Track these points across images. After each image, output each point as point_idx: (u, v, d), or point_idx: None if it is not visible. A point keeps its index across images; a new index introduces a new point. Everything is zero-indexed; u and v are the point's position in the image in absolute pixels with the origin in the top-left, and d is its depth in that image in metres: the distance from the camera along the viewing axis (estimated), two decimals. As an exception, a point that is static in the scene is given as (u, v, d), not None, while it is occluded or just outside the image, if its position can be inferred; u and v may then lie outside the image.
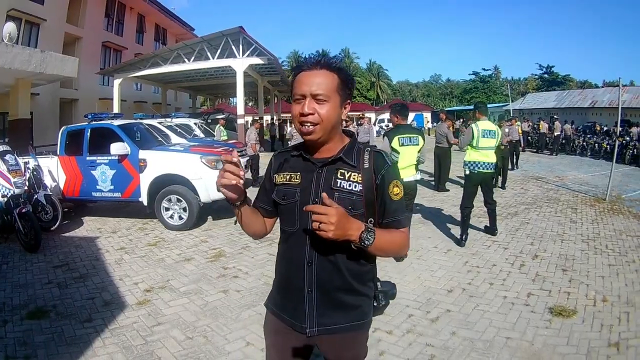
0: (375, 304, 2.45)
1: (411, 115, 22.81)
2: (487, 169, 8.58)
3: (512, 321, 5.37)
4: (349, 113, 2.36)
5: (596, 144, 26.27)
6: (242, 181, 2.17)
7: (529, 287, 6.46)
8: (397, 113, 7.77)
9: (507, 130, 16.40)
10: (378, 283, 2.49)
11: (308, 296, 2.31)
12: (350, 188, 2.24)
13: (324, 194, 2.01)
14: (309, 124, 2.17)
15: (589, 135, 28.27)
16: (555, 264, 7.41)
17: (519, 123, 22.23)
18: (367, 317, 2.40)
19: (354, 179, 2.25)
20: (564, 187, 15.09)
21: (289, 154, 2.46)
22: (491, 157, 8.57)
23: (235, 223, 2.45)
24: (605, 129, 29.35)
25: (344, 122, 2.41)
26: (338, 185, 2.25)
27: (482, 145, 8.47)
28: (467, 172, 8.66)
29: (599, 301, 5.92)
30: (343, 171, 2.27)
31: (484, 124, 8.59)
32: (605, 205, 12.05)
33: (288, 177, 2.39)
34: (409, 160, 7.44)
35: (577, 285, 6.48)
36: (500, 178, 15.04)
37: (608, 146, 24.52)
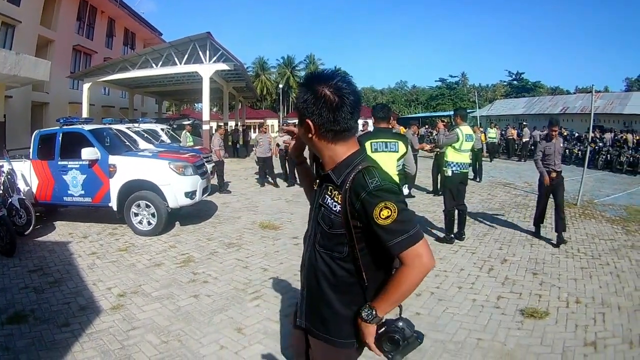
0: (386, 349, 2.23)
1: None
2: (466, 168, 9.22)
3: (483, 323, 5.43)
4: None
5: (566, 150, 25.80)
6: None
7: (499, 290, 6.51)
8: (374, 114, 6.28)
9: (479, 135, 17.33)
10: (400, 322, 2.24)
11: (301, 293, 2.55)
12: (331, 207, 2.26)
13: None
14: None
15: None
16: (525, 268, 7.48)
17: (482, 130, 22.56)
18: (342, 337, 2.35)
19: (336, 198, 2.24)
20: (533, 193, 14.27)
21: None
22: (468, 159, 9.31)
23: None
24: (576, 134, 29.39)
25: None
26: (324, 201, 2.31)
27: (464, 148, 9.01)
28: (450, 173, 9.01)
29: (572, 303, 6.01)
30: (331, 187, 2.28)
31: (465, 129, 9.07)
32: (577, 210, 12.17)
33: (315, 184, 2.54)
34: (387, 170, 7.29)
35: (548, 288, 6.55)
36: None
37: (579, 152, 24.62)
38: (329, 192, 2.30)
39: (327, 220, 2.28)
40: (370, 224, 2.10)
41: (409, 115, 69.59)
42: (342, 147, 2.28)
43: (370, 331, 2.23)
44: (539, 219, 9.55)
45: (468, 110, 57.46)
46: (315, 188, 2.50)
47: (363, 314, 2.22)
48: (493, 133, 27.02)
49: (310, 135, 2.28)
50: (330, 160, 2.30)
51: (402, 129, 14.02)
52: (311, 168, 2.80)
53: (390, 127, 6.57)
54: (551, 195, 9.37)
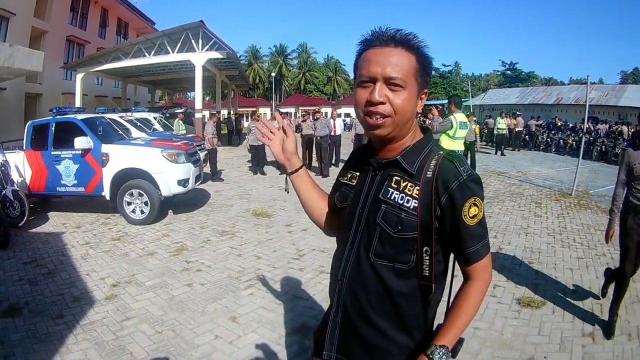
0: None
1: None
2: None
3: (479, 312, 5.11)
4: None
5: (561, 140, 26.02)
6: (274, 138, 2.13)
7: (495, 279, 6.27)
8: None
9: (473, 127, 16.97)
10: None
11: (333, 318, 1.92)
12: (401, 202, 1.74)
13: None
14: (378, 116, 1.69)
15: (553, 132, 27.87)
16: (521, 257, 7.39)
17: (476, 119, 22.12)
18: None
19: (409, 191, 1.74)
20: (527, 182, 14.99)
21: (365, 147, 2.01)
22: (462, 146, 9.39)
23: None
24: (570, 125, 29.25)
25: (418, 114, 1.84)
26: (388, 195, 1.77)
27: (458, 135, 9.03)
28: None
29: (570, 293, 5.96)
30: (398, 178, 1.77)
31: (459, 117, 9.09)
32: (572, 200, 11.99)
33: (349, 177, 2.02)
34: None
35: (544, 278, 6.50)
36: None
37: (574, 142, 24.46)
38: (393, 185, 1.77)
39: (394, 220, 1.73)
40: (455, 223, 1.71)
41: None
42: (415, 126, 1.86)
43: None
44: (608, 283, 5.76)
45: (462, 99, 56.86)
46: (345, 182, 2.04)
47: (435, 357, 1.69)
48: (503, 123, 24.71)
49: (421, 108, 1.81)
50: (402, 144, 1.82)
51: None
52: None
53: None
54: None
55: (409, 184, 1.74)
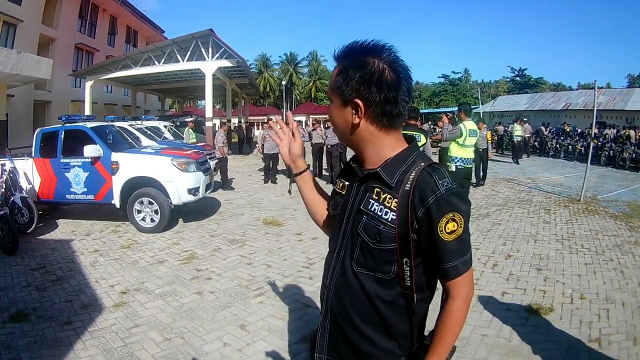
0: None
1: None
2: (470, 164, 9.27)
3: (488, 319, 5.36)
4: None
5: (570, 146, 25.90)
6: (285, 139, 2.20)
7: (503, 286, 6.42)
8: (408, 114, 8.38)
9: (485, 132, 16.84)
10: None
11: (322, 322, 2.00)
12: (380, 214, 1.76)
13: None
14: None
15: (562, 137, 27.71)
16: (529, 264, 7.38)
17: (486, 126, 21.73)
18: None
19: (387, 203, 1.76)
20: (537, 189, 15.00)
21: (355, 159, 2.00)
22: (472, 154, 9.31)
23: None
24: (579, 131, 28.94)
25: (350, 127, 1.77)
26: (369, 207, 1.80)
27: (468, 143, 9.06)
28: (454, 168, 9.00)
29: (577, 299, 5.92)
30: (379, 190, 1.79)
31: (469, 124, 9.16)
32: (580, 206, 11.98)
33: (341, 186, 2.04)
34: None
35: (552, 284, 6.47)
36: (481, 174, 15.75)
37: (582, 148, 24.47)
38: (374, 196, 1.80)
39: (373, 231, 1.76)
40: (430, 238, 1.69)
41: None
42: (394, 138, 1.84)
43: None
44: None
45: (471, 107, 56.63)
46: (337, 191, 2.07)
47: None
48: (519, 130, 24.42)
49: (357, 121, 1.78)
50: (375, 155, 1.84)
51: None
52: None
53: (418, 124, 8.75)
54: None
55: (388, 196, 1.76)
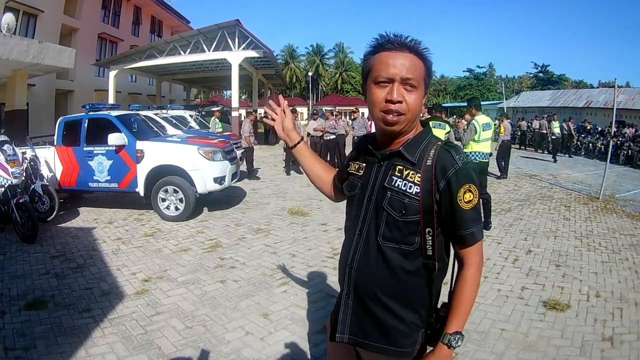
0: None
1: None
2: (486, 158, 9.31)
3: (507, 313, 5.39)
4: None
5: (590, 144, 25.92)
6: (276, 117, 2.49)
7: (523, 281, 6.46)
8: (435, 108, 10.48)
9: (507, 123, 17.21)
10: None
11: (344, 301, 2.15)
12: (404, 189, 1.95)
13: None
14: (395, 114, 1.89)
15: (583, 135, 27.58)
16: (549, 260, 7.41)
17: (510, 121, 21.02)
18: (406, 347, 2.03)
19: (411, 178, 1.95)
20: (558, 185, 15.13)
21: (370, 140, 2.20)
22: (489, 148, 9.38)
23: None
24: (599, 128, 28.47)
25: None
26: (393, 183, 1.98)
27: (483, 137, 9.14)
28: None
29: (593, 296, 5.94)
30: (401, 167, 1.99)
31: (482, 119, 9.26)
32: (599, 204, 12.01)
33: (356, 167, 2.23)
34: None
35: (570, 281, 6.50)
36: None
37: (602, 146, 24.16)
38: (397, 173, 1.98)
39: (399, 205, 1.94)
40: (450, 207, 1.90)
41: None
42: (417, 122, 2.08)
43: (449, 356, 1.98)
44: None
45: (495, 102, 56.44)
46: (353, 172, 2.25)
47: (453, 344, 1.92)
48: (557, 127, 23.86)
49: (420, 104, 1.99)
50: (406, 138, 2.03)
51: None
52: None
53: (442, 116, 10.34)
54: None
55: (411, 172, 1.96)
